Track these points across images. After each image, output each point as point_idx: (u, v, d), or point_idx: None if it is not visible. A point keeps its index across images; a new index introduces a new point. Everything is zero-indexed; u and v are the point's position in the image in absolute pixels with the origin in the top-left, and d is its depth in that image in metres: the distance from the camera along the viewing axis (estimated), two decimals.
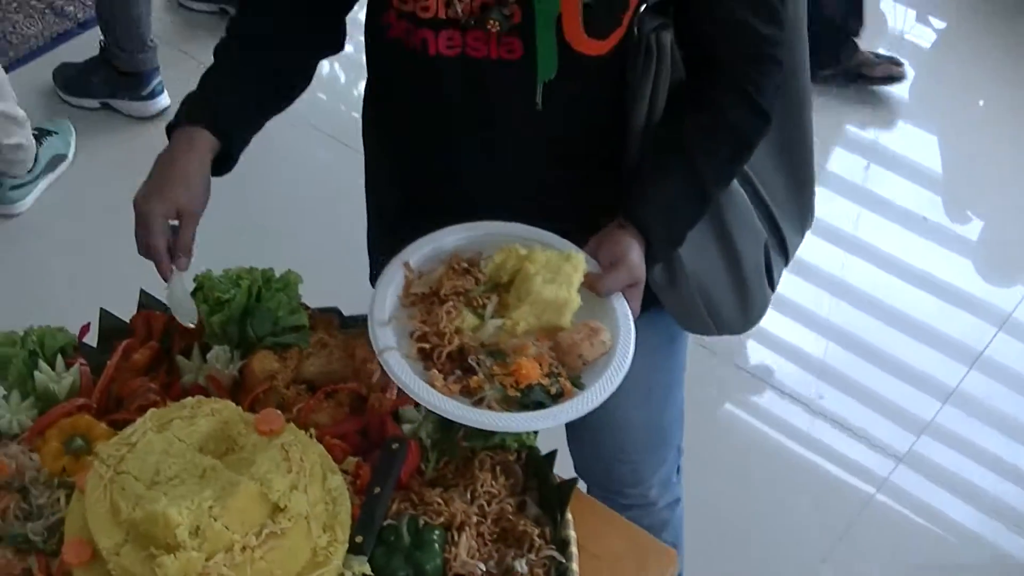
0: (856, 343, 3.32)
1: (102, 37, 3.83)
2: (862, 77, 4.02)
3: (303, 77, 1.80)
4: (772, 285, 1.89)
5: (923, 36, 4.41)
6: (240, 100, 1.70)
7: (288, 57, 1.76)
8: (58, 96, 3.89)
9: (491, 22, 1.59)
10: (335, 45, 1.81)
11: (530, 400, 1.43)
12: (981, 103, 4.18)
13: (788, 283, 2.11)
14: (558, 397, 1.44)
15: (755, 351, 3.28)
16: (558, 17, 1.57)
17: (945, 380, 3.22)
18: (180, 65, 3.95)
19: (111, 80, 3.83)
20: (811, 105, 1.84)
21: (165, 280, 1.61)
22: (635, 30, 1.61)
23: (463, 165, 1.73)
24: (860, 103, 4.03)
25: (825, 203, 3.59)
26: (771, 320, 2.51)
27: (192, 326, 1.67)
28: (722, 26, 1.63)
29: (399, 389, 1.49)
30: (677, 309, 1.81)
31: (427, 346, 1.48)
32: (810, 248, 3.34)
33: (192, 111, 1.66)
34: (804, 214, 1.90)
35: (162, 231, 1.58)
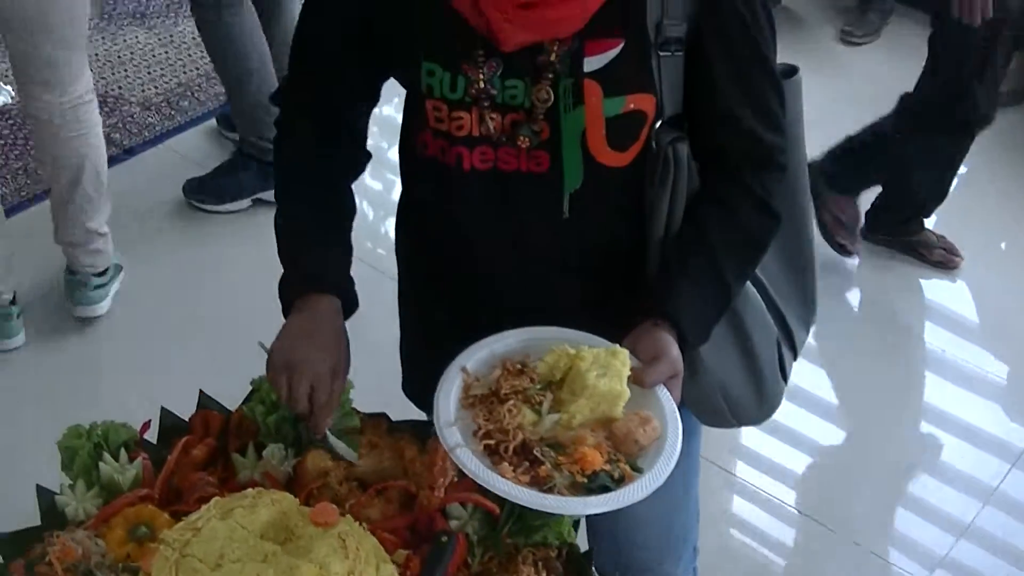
0: (877, 472, 3.38)
1: (236, 135, 4.10)
2: (916, 253, 4.08)
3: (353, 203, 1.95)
4: (785, 378, 2.01)
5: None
6: (341, 253, 1.87)
7: (343, 194, 1.91)
8: (202, 210, 4.06)
9: (521, 139, 1.72)
10: (364, 162, 1.96)
11: (596, 485, 1.54)
12: (1003, 245, 4.28)
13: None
14: (620, 481, 1.55)
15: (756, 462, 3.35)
16: (583, 132, 1.70)
17: (960, 515, 3.26)
18: None
19: (261, 172, 3.97)
20: (811, 208, 1.99)
21: (318, 432, 1.75)
22: (653, 143, 1.74)
23: (494, 272, 1.85)
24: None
25: (851, 337, 3.75)
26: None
27: (355, 461, 1.77)
28: (733, 137, 1.77)
29: (446, 487, 1.59)
30: (697, 402, 1.90)
31: (492, 442, 1.58)
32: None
33: (312, 280, 1.82)
34: (808, 310, 2.03)
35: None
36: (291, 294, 1.81)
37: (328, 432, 1.76)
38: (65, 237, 3.54)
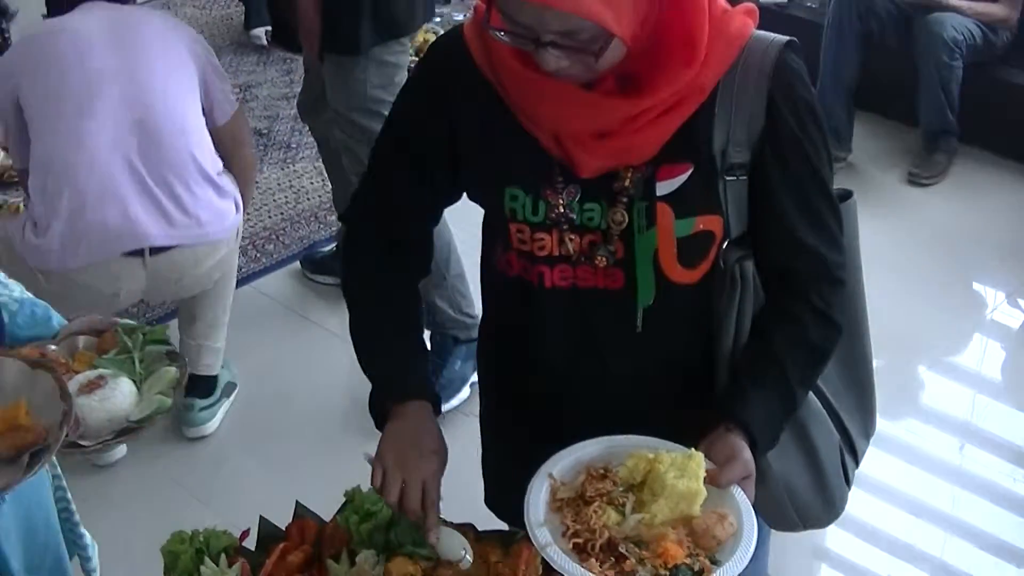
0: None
1: (322, 277, 4.40)
2: None
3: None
4: (848, 483, 2.08)
5: (1012, 316, 4.57)
6: (423, 358, 1.99)
7: (413, 299, 2.05)
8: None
9: (599, 258, 1.83)
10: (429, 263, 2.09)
11: None
12: None
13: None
14: (700, 573, 1.64)
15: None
16: (655, 251, 1.81)
17: None
18: (303, 332, 4.27)
19: None
20: (867, 323, 2.07)
21: (431, 532, 1.83)
22: (721, 261, 1.85)
23: (573, 385, 1.95)
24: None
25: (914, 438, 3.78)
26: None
27: (466, 560, 1.85)
28: (796, 254, 1.86)
29: None
30: (766, 507, 1.95)
31: (580, 541, 1.68)
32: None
33: (404, 388, 1.93)
34: (868, 421, 2.11)
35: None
36: (386, 405, 1.92)
37: (439, 531, 1.84)
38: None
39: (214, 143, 3.59)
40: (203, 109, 3.56)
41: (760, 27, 1.82)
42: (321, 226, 4.83)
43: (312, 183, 5.12)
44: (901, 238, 4.72)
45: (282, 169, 5.25)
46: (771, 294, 1.90)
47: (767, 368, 1.86)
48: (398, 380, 1.93)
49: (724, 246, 1.85)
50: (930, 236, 4.85)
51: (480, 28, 1.80)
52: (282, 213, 4.92)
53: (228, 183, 3.61)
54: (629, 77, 1.72)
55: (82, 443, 1.82)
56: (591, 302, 1.87)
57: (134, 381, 1.88)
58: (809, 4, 5.77)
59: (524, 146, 1.81)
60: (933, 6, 5.09)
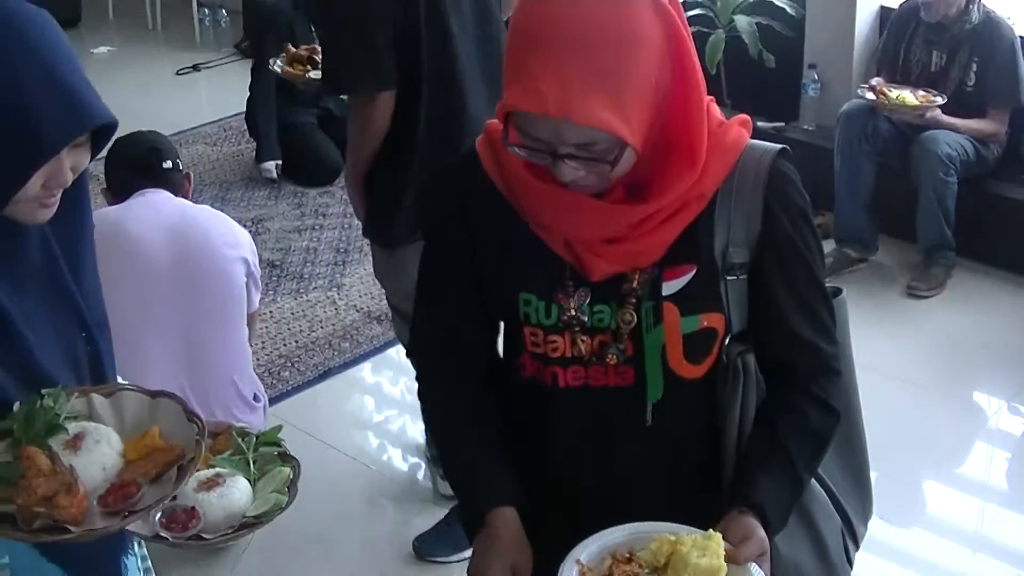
0: None
1: None
2: None
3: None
4: (850, 564, 2.17)
5: (1013, 422, 4.65)
6: (508, 468, 2.03)
7: (493, 416, 2.09)
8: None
9: (610, 356, 1.94)
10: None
11: None
12: None
13: None
14: None
15: None
16: (663, 348, 1.93)
17: None
18: (321, 456, 4.35)
19: None
20: (860, 411, 2.18)
21: None
22: (724, 356, 1.97)
23: (585, 475, 2.04)
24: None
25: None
26: None
27: None
28: (795, 348, 1.99)
29: None
30: None
31: None
32: None
33: (492, 496, 1.99)
34: (865, 505, 2.21)
35: None
36: (476, 524, 1.99)
37: None
38: None
39: None
40: None
41: None
42: (335, 353, 4.94)
43: (325, 312, 5.25)
44: (901, 349, 4.82)
45: (295, 299, 5.38)
46: (772, 385, 2.01)
47: (774, 455, 1.96)
48: (488, 499, 1.99)
49: (726, 341, 1.97)
50: (929, 346, 4.94)
51: (491, 144, 1.94)
52: (296, 341, 5.04)
53: (258, 392, 3.79)
54: (635, 185, 1.85)
55: (204, 536, 1.89)
56: (603, 400, 1.97)
57: (249, 480, 1.96)
58: (806, 127, 5.94)
59: (536, 253, 1.93)
60: (929, 124, 5.25)
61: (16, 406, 1.82)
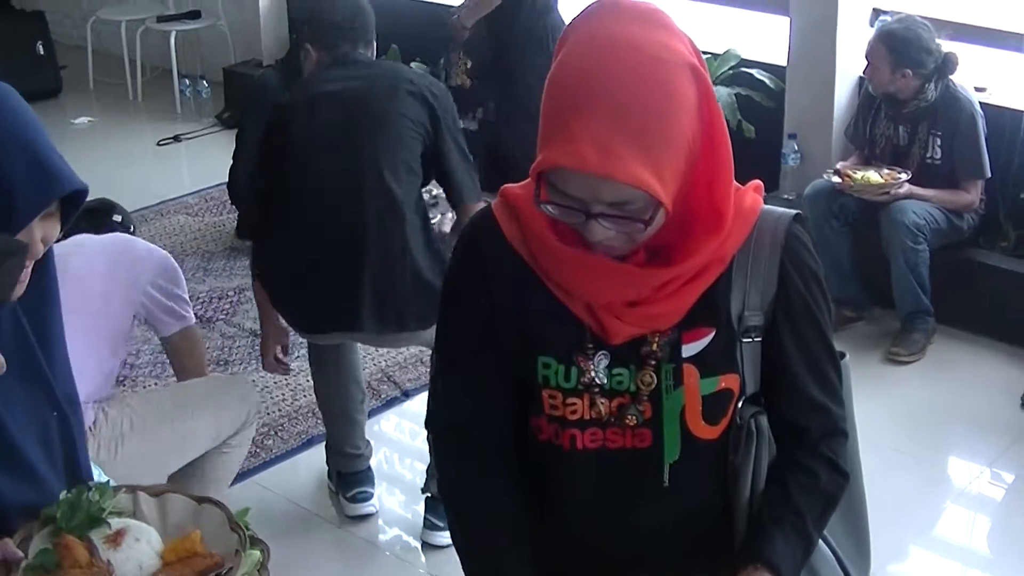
0: None
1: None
2: None
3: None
4: None
5: (994, 488, 4.66)
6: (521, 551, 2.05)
7: (517, 497, 2.08)
8: None
9: (629, 418, 1.96)
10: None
11: None
12: None
13: None
14: None
15: None
16: (682, 410, 1.96)
17: None
18: (305, 524, 4.34)
19: None
20: (860, 469, 2.21)
21: None
22: (738, 418, 2.00)
23: (601, 534, 2.05)
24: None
25: None
26: None
27: None
28: (807, 410, 2.02)
29: None
30: None
31: None
32: None
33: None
34: (865, 566, 2.23)
35: None
36: None
37: None
38: None
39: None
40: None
41: None
42: (318, 421, 4.93)
43: (308, 380, 5.21)
44: (881, 414, 4.80)
45: None
46: (784, 446, 2.04)
47: (787, 515, 1.99)
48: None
49: (740, 403, 2.00)
50: (909, 412, 4.95)
51: (510, 207, 1.95)
52: (280, 409, 5.04)
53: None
54: (657, 248, 1.88)
55: None
56: (620, 461, 1.99)
57: None
58: (787, 197, 6.00)
59: (556, 315, 1.95)
60: (897, 198, 5.29)
61: (63, 495, 1.82)
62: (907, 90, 5.32)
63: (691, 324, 1.94)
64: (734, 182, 1.93)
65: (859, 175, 5.33)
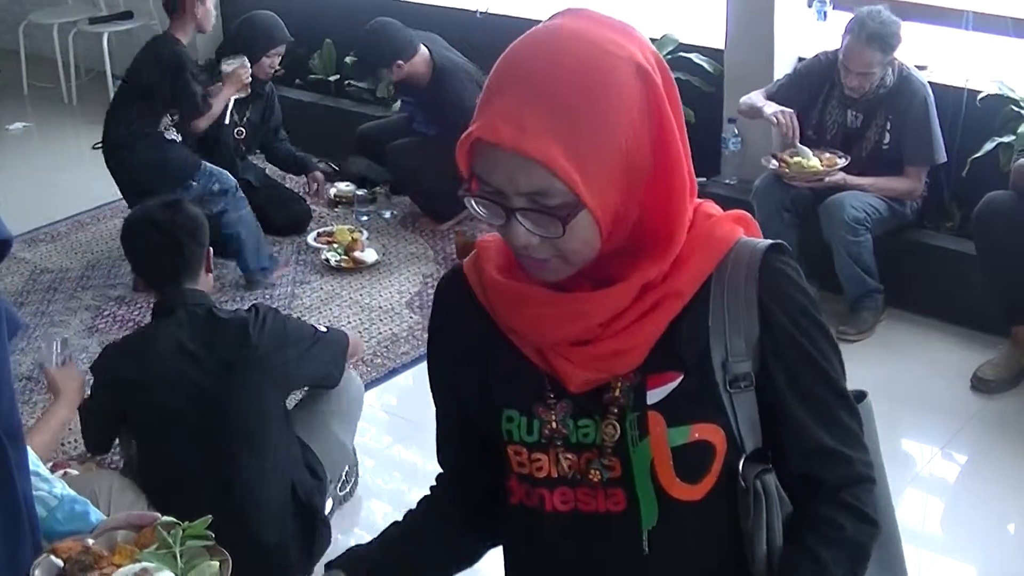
0: None
1: None
2: None
3: (471, 560, 2.07)
4: None
5: (947, 470, 4.64)
6: (398, 562, 1.98)
7: (464, 541, 2.05)
8: None
9: (593, 473, 1.79)
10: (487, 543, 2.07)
11: None
12: (1011, 527, 4.33)
13: None
14: None
15: None
16: (652, 464, 1.77)
17: None
18: None
19: None
20: (895, 517, 2.02)
21: None
22: (741, 480, 1.79)
23: None
24: None
25: None
26: None
27: None
28: (820, 460, 1.81)
29: None
30: None
31: None
32: None
33: (351, 558, 1.96)
34: None
35: None
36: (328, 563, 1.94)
37: None
38: None
39: None
40: None
41: None
42: None
43: None
44: None
45: None
46: (800, 500, 1.84)
47: (810, 570, 1.79)
48: (355, 551, 1.96)
49: (742, 463, 1.79)
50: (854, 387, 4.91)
51: (476, 259, 1.86)
52: None
53: None
54: (605, 280, 1.74)
55: None
56: (594, 527, 1.83)
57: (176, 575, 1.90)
58: (728, 182, 5.96)
59: (517, 367, 1.82)
60: (837, 188, 5.24)
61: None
62: (879, 78, 5.26)
63: (656, 368, 1.76)
64: (706, 210, 1.80)
65: (794, 160, 5.27)
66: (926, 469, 4.57)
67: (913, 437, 4.82)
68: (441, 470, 2.09)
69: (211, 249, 3.83)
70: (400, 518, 2.05)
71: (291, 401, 3.98)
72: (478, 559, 2.07)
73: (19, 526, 1.92)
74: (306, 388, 4.05)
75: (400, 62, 6.08)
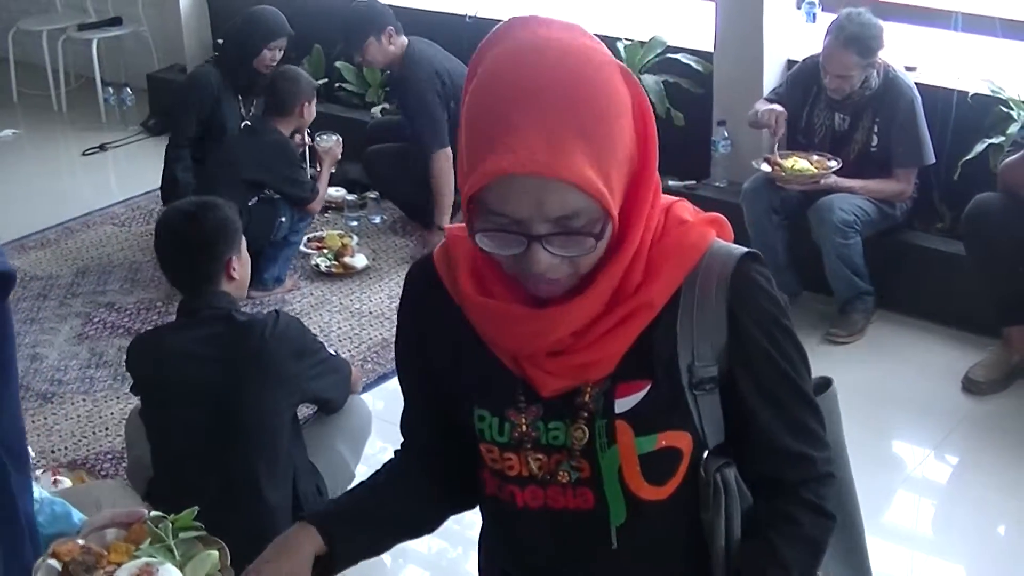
0: None
1: None
2: None
3: (433, 526, 2.07)
4: None
5: (938, 472, 4.63)
6: (364, 520, 1.97)
7: (427, 507, 2.05)
8: None
9: (562, 474, 1.82)
10: (468, 504, 2.06)
11: None
12: (1002, 529, 4.33)
13: None
14: None
15: None
16: (619, 469, 1.80)
17: None
18: None
19: None
20: (858, 507, 2.08)
21: None
22: (702, 471, 1.82)
23: None
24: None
25: None
26: None
27: None
28: (782, 461, 1.85)
29: None
30: None
31: None
32: None
33: (318, 511, 1.98)
34: None
35: None
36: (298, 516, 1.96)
37: None
38: None
39: None
40: None
41: None
42: None
43: None
44: None
45: None
46: (761, 496, 1.88)
47: (771, 568, 1.84)
48: (323, 505, 1.96)
49: (704, 457, 1.83)
50: (850, 395, 4.83)
51: (447, 253, 1.85)
52: None
53: None
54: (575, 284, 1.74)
55: None
56: (564, 523, 1.86)
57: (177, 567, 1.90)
58: (717, 184, 5.94)
59: (490, 367, 1.83)
60: (829, 189, 5.23)
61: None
62: (858, 81, 5.25)
63: (626, 375, 1.78)
64: (679, 215, 1.80)
65: (788, 163, 5.26)
66: (917, 471, 4.57)
67: (904, 439, 4.82)
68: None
69: (245, 252, 3.83)
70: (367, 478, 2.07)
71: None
72: (440, 525, 2.09)
73: (21, 546, 1.92)
74: (314, 408, 4.06)
75: (373, 39, 6.05)
